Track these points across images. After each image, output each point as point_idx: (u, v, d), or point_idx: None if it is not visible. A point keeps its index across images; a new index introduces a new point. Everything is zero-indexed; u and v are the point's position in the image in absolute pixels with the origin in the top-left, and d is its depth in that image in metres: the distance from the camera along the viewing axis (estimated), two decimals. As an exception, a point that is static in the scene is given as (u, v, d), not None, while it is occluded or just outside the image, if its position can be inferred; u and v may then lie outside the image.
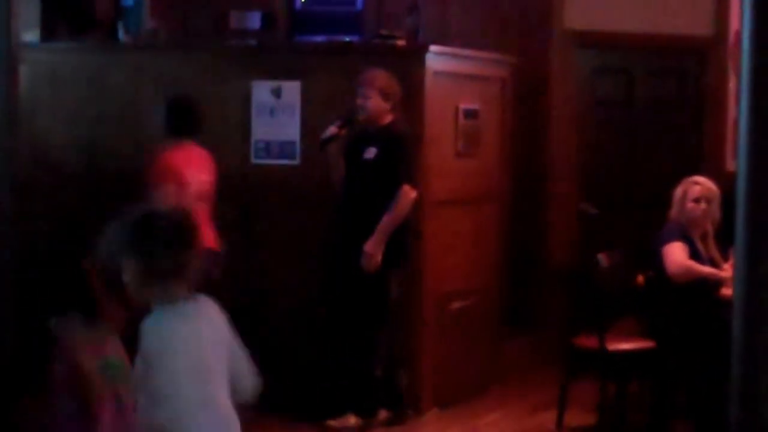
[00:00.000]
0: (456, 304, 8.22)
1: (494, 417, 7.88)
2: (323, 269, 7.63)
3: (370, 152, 7.37)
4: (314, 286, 7.71)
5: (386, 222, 7.27)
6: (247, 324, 4.13)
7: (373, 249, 7.24)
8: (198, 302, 3.70)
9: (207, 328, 3.66)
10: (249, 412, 3.82)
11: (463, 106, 8.23)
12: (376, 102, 7.37)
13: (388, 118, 7.41)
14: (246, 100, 8.03)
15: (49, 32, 8.73)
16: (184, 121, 7.47)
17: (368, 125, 7.44)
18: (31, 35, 8.44)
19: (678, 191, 7.43)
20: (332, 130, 7.46)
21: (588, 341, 7.43)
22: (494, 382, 8.60)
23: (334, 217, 7.53)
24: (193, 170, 7.31)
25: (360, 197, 7.37)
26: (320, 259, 7.66)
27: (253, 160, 8.03)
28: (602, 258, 7.63)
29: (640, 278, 7.56)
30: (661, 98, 9.78)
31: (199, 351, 3.61)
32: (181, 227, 3.66)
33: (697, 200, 7.37)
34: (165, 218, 3.65)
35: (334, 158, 7.51)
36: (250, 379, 3.75)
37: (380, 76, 7.41)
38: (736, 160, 2.76)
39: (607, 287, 7.49)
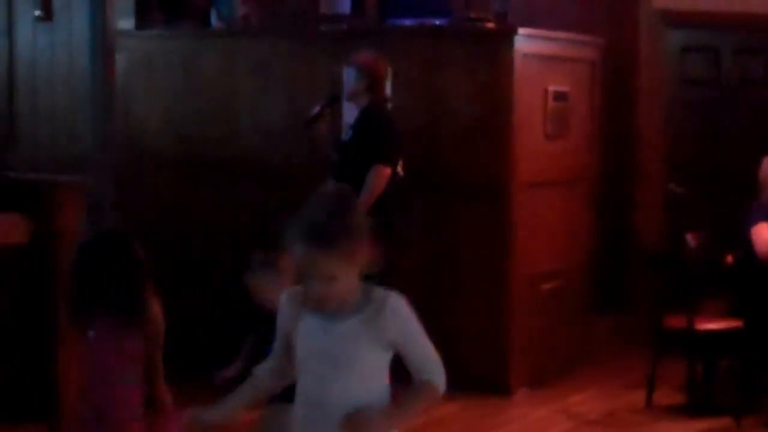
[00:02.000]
0: (546, 285, 8.26)
1: (583, 397, 7.91)
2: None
3: (348, 134, 7.42)
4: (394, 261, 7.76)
5: (361, 201, 7.15)
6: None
7: None
8: None
9: None
10: None
11: (552, 88, 8.25)
12: (350, 80, 7.35)
13: (364, 100, 7.33)
14: (336, 84, 8.13)
15: (143, 20, 8.88)
16: None
17: (352, 104, 7.46)
18: (126, 23, 8.61)
19: None
20: (316, 109, 7.55)
21: (677, 321, 7.43)
22: (583, 362, 8.62)
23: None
24: None
25: (342, 178, 7.21)
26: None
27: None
28: (690, 238, 7.63)
29: (729, 258, 7.55)
30: (749, 77, 9.71)
31: None
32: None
33: None
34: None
35: (319, 137, 7.57)
36: None
37: (361, 55, 7.37)
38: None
39: (695, 268, 7.48)
